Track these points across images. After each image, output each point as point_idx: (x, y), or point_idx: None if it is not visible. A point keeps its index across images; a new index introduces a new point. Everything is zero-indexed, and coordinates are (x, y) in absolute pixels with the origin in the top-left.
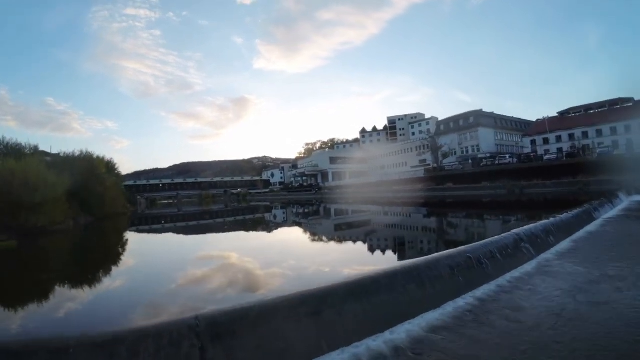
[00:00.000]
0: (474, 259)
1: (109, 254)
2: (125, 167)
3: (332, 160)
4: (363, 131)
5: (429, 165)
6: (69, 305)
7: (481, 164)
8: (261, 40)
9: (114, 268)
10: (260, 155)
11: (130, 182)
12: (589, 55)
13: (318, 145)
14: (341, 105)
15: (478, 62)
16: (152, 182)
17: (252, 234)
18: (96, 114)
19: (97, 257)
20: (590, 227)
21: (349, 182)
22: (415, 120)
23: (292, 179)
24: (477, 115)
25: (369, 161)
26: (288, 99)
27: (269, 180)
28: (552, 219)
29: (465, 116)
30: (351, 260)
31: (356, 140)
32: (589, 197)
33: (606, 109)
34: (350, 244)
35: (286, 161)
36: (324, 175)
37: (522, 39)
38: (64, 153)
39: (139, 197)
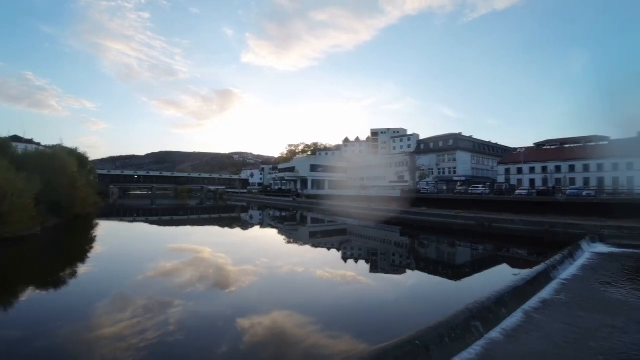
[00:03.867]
0: (422, 347)
1: (74, 260)
2: (101, 150)
3: (313, 167)
4: (346, 140)
5: (407, 182)
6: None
7: (455, 190)
8: (252, 34)
9: (80, 273)
10: (242, 150)
11: (104, 171)
12: (572, 82)
13: (301, 147)
14: (328, 108)
15: (464, 78)
16: (126, 172)
17: (227, 230)
18: (75, 93)
19: (61, 264)
20: (546, 291)
21: (328, 192)
22: (398, 135)
23: (272, 182)
24: (456, 138)
25: (350, 171)
26: (275, 97)
27: (247, 180)
28: (506, 286)
29: (445, 138)
30: (324, 263)
31: (338, 148)
32: (553, 239)
33: (581, 145)
34: (323, 250)
35: (268, 160)
36: (304, 182)
37: (509, 60)
38: (36, 147)
39: (112, 186)
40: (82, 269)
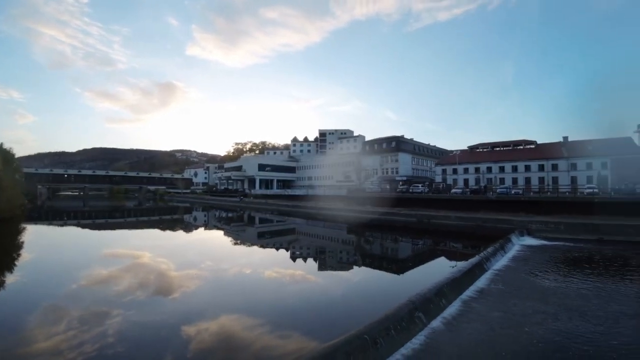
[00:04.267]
0: (370, 341)
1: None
2: (28, 146)
3: (261, 167)
4: (294, 140)
5: (353, 182)
6: None
7: (397, 189)
8: (198, 27)
9: (7, 283)
10: (185, 148)
11: (31, 170)
12: (504, 91)
13: (248, 146)
14: (276, 107)
15: (406, 84)
16: (55, 171)
17: (169, 233)
18: (1, 81)
19: None
20: (481, 281)
21: (276, 192)
22: (345, 136)
23: (217, 182)
24: (398, 141)
25: (298, 171)
26: (221, 93)
27: (191, 179)
28: (445, 278)
29: (389, 140)
30: (272, 264)
31: (287, 148)
32: (485, 234)
33: (510, 148)
34: (272, 250)
35: (213, 158)
36: (251, 181)
37: (448, 68)
38: None
39: (40, 186)
40: (8, 278)
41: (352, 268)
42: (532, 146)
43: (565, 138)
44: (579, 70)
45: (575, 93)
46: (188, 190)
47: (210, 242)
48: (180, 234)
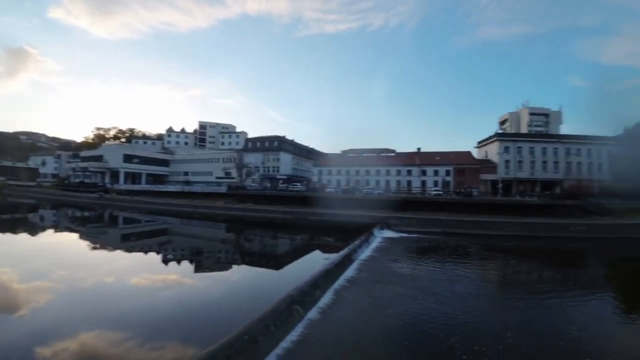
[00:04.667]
0: (250, 340)
1: None
2: None
3: (128, 158)
4: (170, 130)
5: (234, 179)
6: None
7: (278, 188)
8: None
9: None
10: (33, 130)
11: None
12: (375, 103)
13: (113, 132)
14: (150, 92)
15: (291, 86)
16: None
17: (9, 237)
18: None
19: None
20: (350, 271)
21: (146, 187)
22: (227, 131)
23: (71, 173)
24: (280, 140)
25: (172, 165)
26: (84, 67)
27: (37, 169)
28: (319, 271)
29: (271, 139)
30: (140, 269)
31: (160, 138)
32: (354, 228)
33: (374, 155)
34: (140, 254)
35: (67, 145)
36: (115, 174)
37: (328, 76)
38: None
39: None
40: None
41: (231, 267)
42: (393, 154)
43: (419, 149)
44: (434, 92)
45: (429, 111)
46: (33, 183)
47: (62, 247)
48: (24, 238)
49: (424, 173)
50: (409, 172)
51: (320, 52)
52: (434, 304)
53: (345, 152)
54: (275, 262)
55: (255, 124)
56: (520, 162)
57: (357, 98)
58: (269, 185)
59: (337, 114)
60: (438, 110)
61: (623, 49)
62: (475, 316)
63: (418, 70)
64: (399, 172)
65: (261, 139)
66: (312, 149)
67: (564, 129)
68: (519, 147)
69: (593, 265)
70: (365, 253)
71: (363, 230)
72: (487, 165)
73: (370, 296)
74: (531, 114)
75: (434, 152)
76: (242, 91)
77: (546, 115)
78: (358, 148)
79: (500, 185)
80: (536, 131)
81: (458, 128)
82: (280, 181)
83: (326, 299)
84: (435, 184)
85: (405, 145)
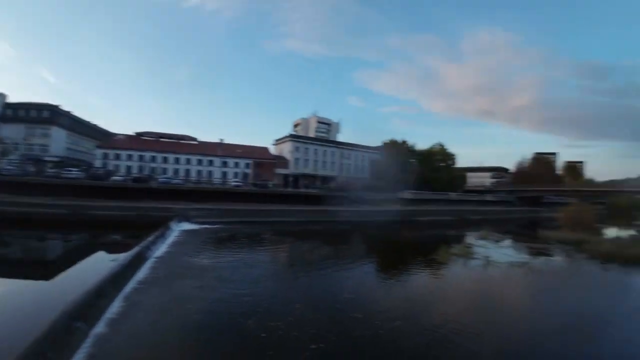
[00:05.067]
0: None
1: None
2: None
3: None
4: None
5: None
6: None
7: (45, 173)
8: None
9: None
10: None
11: None
12: (179, 87)
13: None
14: None
15: (80, 43)
16: None
17: None
18: None
19: None
20: (143, 271)
21: None
22: None
23: None
24: (54, 111)
25: None
26: None
27: None
28: (104, 276)
29: (40, 108)
30: None
31: None
32: (147, 222)
33: (175, 141)
34: None
35: None
36: None
37: (135, 45)
38: None
39: None
40: None
41: None
42: (195, 142)
43: (222, 140)
44: (240, 88)
45: (233, 104)
46: None
47: None
48: None
49: (225, 164)
50: (211, 163)
51: (128, 15)
52: (232, 290)
53: (139, 134)
54: (46, 270)
55: (19, 84)
56: (307, 160)
57: (161, 76)
58: (33, 169)
59: (135, 88)
60: (242, 105)
61: (390, 82)
62: (269, 295)
63: (226, 62)
64: (200, 162)
65: (25, 106)
66: (97, 126)
67: (340, 137)
68: (306, 148)
69: (355, 242)
70: (162, 249)
71: (158, 224)
72: (281, 160)
73: (167, 295)
74: (318, 122)
75: (235, 144)
76: (10, 37)
77: (329, 124)
78: (155, 131)
79: (291, 179)
80: (321, 136)
81: (259, 125)
82: (50, 164)
83: (116, 307)
84: (236, 175)
85: (206, 134)
